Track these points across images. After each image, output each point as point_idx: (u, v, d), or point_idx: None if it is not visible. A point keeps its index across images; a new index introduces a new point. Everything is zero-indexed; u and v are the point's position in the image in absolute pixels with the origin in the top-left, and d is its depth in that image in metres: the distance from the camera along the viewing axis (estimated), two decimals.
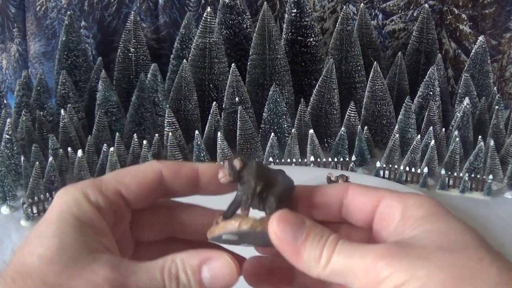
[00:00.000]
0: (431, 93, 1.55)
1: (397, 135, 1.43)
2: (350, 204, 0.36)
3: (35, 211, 1.21)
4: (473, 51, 1.65)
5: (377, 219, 0.35)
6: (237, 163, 0.35)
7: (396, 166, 1.40)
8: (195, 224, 0.40)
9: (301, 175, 1.23)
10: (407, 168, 1.38)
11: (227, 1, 1.59)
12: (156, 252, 0.36)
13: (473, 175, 1.35)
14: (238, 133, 1.45)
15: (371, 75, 1.53)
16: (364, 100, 1.57)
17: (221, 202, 0.39)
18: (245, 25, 1.62)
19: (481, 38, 1.62)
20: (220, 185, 0.37)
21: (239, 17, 1.61)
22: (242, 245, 0.37)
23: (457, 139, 1.40)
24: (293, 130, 1.45)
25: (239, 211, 0.36)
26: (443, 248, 0.29)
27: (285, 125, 1.49)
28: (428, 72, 1.54)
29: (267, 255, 0.39)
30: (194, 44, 1.55)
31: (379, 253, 0.29)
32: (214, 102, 1.48)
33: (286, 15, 1.64)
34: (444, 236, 0.30)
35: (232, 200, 0.36)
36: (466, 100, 1.49)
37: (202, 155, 1.39)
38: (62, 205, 0.34)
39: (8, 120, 1.32)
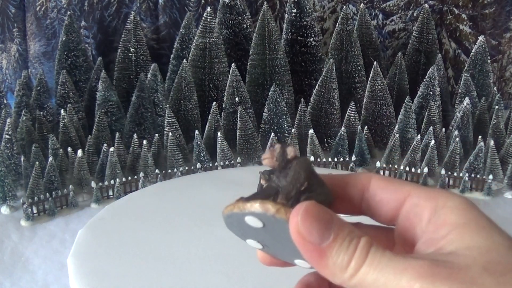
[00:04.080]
0: (431, 93, 1.55)
1: (397, 135, 1.43)
2: (372, 199, 0.33)
3: (35, 211, 1.21)
4: (473, 51, 1.65)
5: (402, 219, 0.32)
6: (291, 151, 0.31)
7: (396, 166, 1.40)
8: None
9: None
10: (407, 168, 1.38)
11: (227, 1, 1.59)
12: None
13: (473, 175, 1.35)
14: (238, 133, 1.45)
15: (371, 75, 1.53)
16: (364, 100, 1.56)
17: None
18: (245, 25, 1.62)
19: (481, 38, 1.62)
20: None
21: (239, 17, 1.61)
22: (249, 240, 0.32)
23: (457, 139, 1.40)
24: (293, 130, 1.45)
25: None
26: (488, 270, 0.27)
27: (285, 125, 1.49)
28: (428, 72, 1.54)
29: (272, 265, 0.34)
30: (194, 44, 1.55)
31: (418, 272, 0.26)
32: (214, 102, 1.48)
33: (286, 15, 1.64)
34: (487, 254, 0.28)
35: (259, 189, 0.32)
36: (466, 100, 1.49)
37: (202, 155, 1.39)
38: None
39: (8, 120, 1.32)
